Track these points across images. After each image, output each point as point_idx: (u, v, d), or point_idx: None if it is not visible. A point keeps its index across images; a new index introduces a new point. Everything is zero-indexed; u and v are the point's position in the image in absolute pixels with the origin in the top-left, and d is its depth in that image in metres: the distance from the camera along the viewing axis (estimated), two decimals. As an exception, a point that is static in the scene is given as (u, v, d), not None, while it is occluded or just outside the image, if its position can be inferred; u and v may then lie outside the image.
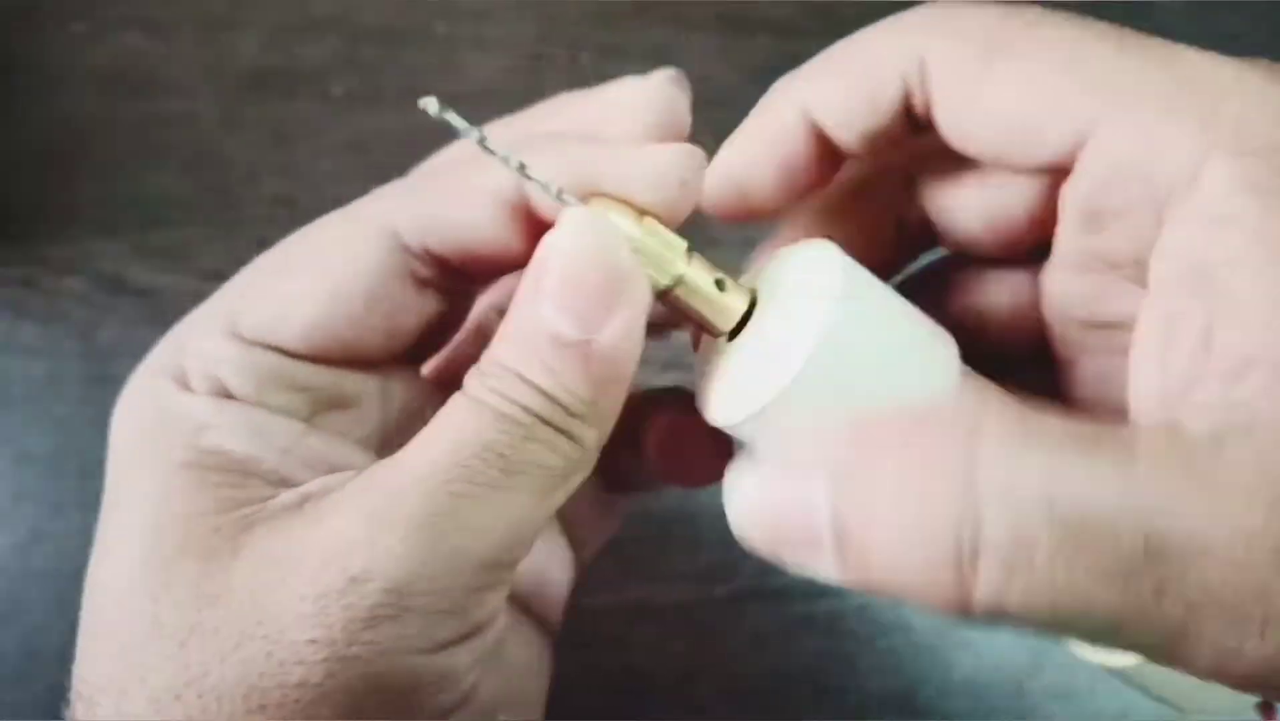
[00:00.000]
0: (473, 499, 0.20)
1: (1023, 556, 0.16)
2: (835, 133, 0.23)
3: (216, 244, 0.43)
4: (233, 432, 0.22)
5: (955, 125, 0.21)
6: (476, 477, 0.20)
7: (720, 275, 0.22)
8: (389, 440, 0.24)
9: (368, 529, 0.20)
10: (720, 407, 0.22)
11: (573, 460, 0.21)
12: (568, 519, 0.28)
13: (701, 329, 0.23)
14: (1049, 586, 0.16)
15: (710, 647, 0.40)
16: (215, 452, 0.22)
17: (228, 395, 0.22)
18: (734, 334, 0.23)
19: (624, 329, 0.21)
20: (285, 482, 0.22)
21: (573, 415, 0.21)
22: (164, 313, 0.42)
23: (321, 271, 0.23)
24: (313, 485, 0.22)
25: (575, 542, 0.29)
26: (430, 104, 0.21)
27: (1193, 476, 0.16)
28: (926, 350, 0.22)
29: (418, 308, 0.24)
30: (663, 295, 0.22)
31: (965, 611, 0.16)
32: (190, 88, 0.45)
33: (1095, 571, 0.16)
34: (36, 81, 0.45)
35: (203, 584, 0.20)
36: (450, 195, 0.23)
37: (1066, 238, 0.22)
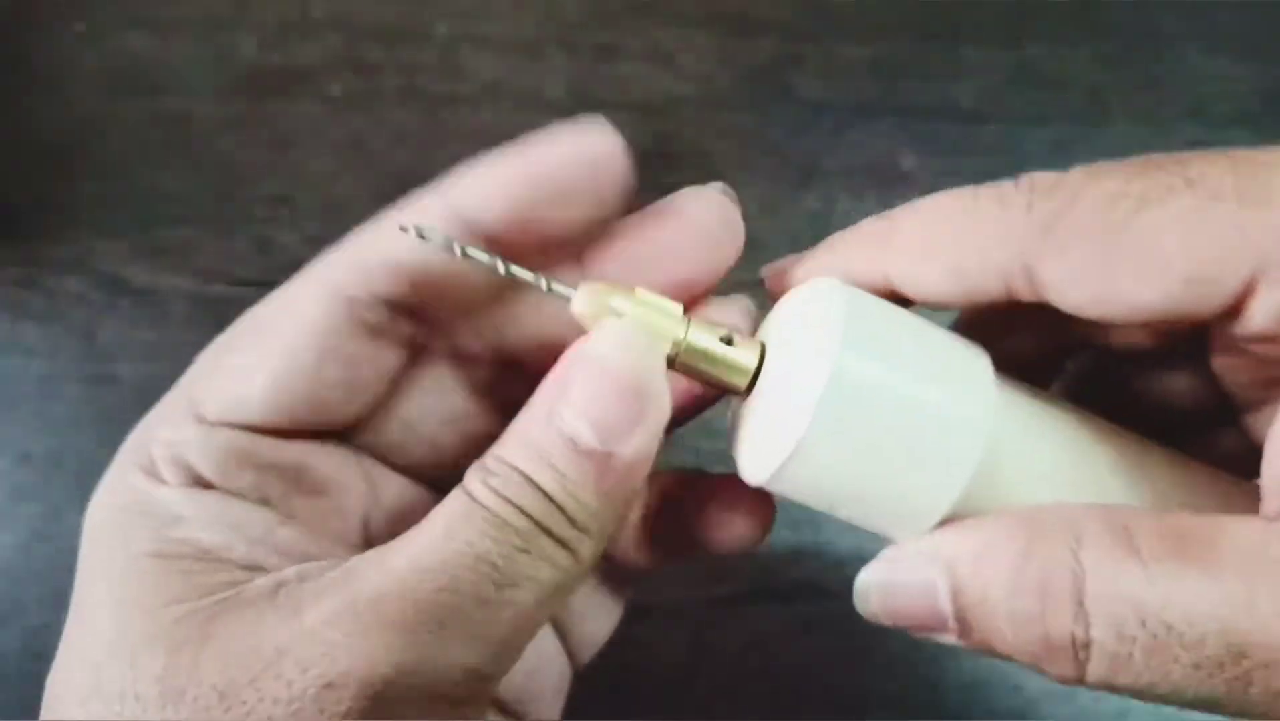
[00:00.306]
0: (460, 609, 0.19)
1: (1123, 653, 0.18)
2: (920, 300, 0.23)
3: (216, 244, 0.43)
4: (203, 524, 0.21)
5: (1089, 307, 0.20)
6: (465, 587, 0.19)
7: (725, 331, 0.22)
8: (372, 541, 0.23)
9: (347, 631, 0.19)
10: (748, 468, 0.22)
11: (569, 574, 0.21)
12: (563, 620, 0.28)
13: (720, 390, 0.23)
14: (1148, 676, 0.18)
15: (710, 647, 0.40)
16: (185, 542, 0.21)
17: (198, 483, 0.22)
18: (750, 387, 0.22)
19: (646, 444, 0.20)
20: (258, 569, 0.21)
21: (576, 526, 0.20)
22: (164, 313, 0.42)
23: (270, 338, 0.23)
24: (288, 572, 0.21)
25: (571, 642, 0.28)
26: (413, 228, 0.21)
27: (1274, 578, 0.18)
28: (952, 371, 0.21)
29: (374, 360, 0.23)
30: (669, 364, 0.22)
31: (1079, 684, 0.19)
32: (190, 88, 0.45)
33: (1186, 666, 0.18)
34: (36, 81, 0.45)
35: (169, 678, 0.19)
36: (380, 233, 0.23)
37: (1235, 335, 0.21)
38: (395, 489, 0.25)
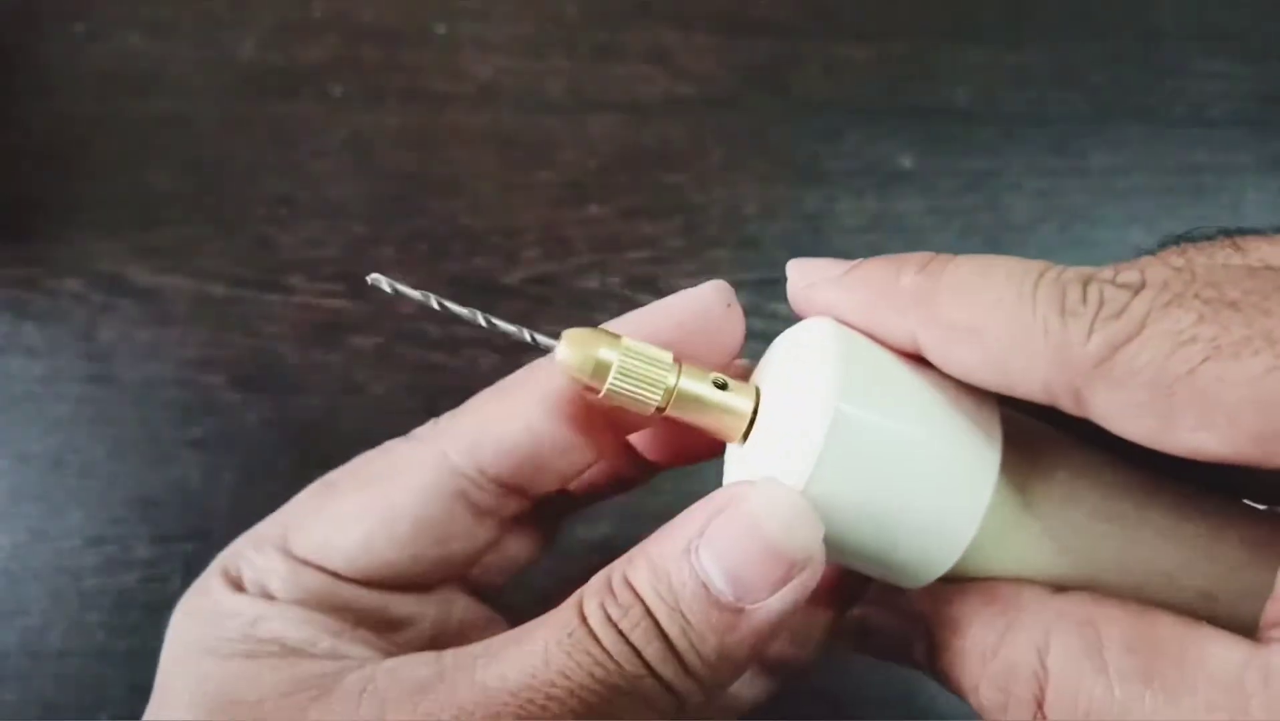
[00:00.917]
0: None
1: None
2: (948, 372, 0.21)
3: (216, 244, 0.43)
4: (286, 622, 0.22)
5: (1141, 439, 0.19)
6: (552, 715, 0.19)
7: (718, 376, 0.21)
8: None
9: None
10: None
11: (666, 717, 0.20)
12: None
13: (713, 436, 0.22)
14: None
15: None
16: (271, 640, 0.22)
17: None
18: (746, 433, 0.21)
19: (785, 609, 0.19)
20: (343, 657, 0.22)
21: (688, 675, 0.19)
22: (164, 313, 0.42)
23: (372, 494, 0.23)
24: (377, 671, 0.21)
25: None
26: (380, 281, 0.21)
27: (1242, 715, 0.17)
28: (954, 414, 0.20)
29: (470, 535, 0.24)
30: (659, 412, 0.21)
31: None
32: (190, 88, 0.45)
33: None
34: (36, 81, 0.45)
35: None
36: (494, 407, 0.23)
37: None
38: (463, 605, 0.26)
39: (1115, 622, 0.19)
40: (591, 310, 0.43)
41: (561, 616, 0.20)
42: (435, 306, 0.21)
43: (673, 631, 0.19)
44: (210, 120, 0.45)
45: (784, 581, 0.19)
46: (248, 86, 0.45)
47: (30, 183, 0.43)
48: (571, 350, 0.21)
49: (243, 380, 0.41)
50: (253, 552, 0.23)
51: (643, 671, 0.19)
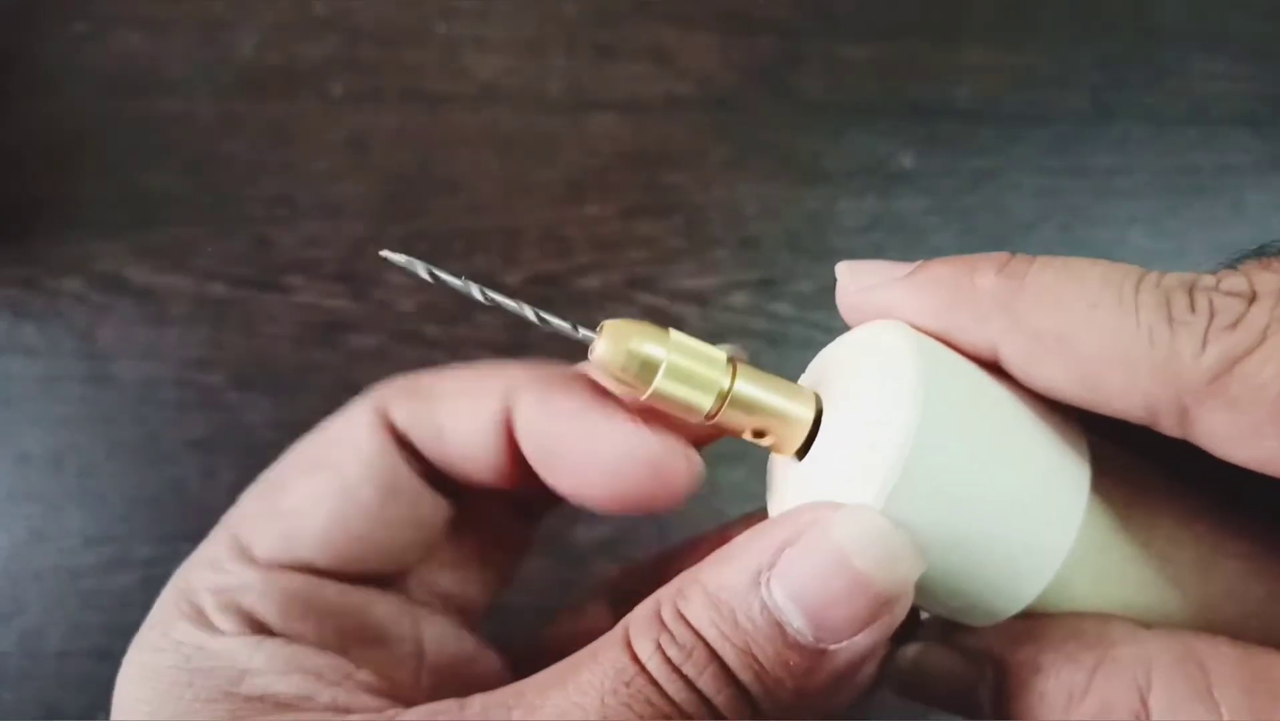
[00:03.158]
0: None
1: None
2: (1029, 386, 0.19)
3: (216, 244, 0.43)
4: (277, 674, 0.19)
5: (1253, 465, 0.17)
6: None
7: (776, 382, 0.19)
8: (426, 687, 0.22)
9: None
10: None
11: None
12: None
13: (765, 446, 0.20)
14: None
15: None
16: (261, 698, 0.19)
17: (257, 629, 0.20)
18: (804, 446, 0.19)
19: (874, 643, 0.17)
20: (345, 710, 0.19)
21: (758, 718, 0.17)
22: (163, 313, 0.42)
23: (323, 475, 0.21)
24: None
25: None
26: (421, 268, 0.19)
27: None
28: (1041, 434, 0.18)
29: (431, 505, 0.22)
30: (710, 418, 0.18)
31: None
32: (189, 87, 0.45)
33: None
34: (37, 81, 0.45)
35: None
36: (449, 401, 0.22)
37: None
38: (437, 630, 0.24)
39: (1225, 661, 0.17)
40: (592, 310, 0.43)
41: (610, 657, 0.17)
42: (426, 277, 0.19)
43: (745, 677, 0.16)
44: (210, 120, 0.45)
45: (873, 620, 0.17)
46: (247, 86, 0.45)
47: (29, 183, 0.43)
48: (612, 345, 0.18)
49: (242, 380, 0.41)
50: (213, 576, 0.21)
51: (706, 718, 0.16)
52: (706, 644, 0.16)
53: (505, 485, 0.23)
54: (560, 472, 0.22)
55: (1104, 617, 0.18)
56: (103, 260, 0.42)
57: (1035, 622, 0.18)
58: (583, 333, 0.18)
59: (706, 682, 0.16)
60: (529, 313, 0.19)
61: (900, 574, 0.17)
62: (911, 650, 0.20)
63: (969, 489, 0.17)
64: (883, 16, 0.48)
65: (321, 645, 0.20)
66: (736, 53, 0.46)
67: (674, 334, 0.18)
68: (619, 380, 0.18)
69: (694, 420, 0.19)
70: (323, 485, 0.21)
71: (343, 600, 0.21)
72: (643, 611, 0.17)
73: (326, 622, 0.21)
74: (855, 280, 0.20)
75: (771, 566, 0.16)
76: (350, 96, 0.45)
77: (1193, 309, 0.16)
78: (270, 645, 0.20)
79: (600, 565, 0.39)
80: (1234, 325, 0.16)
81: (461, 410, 0.22)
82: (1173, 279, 0.17)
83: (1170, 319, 0.16)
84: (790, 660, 0.16)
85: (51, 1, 0.46)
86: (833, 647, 0.16)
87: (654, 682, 0.16)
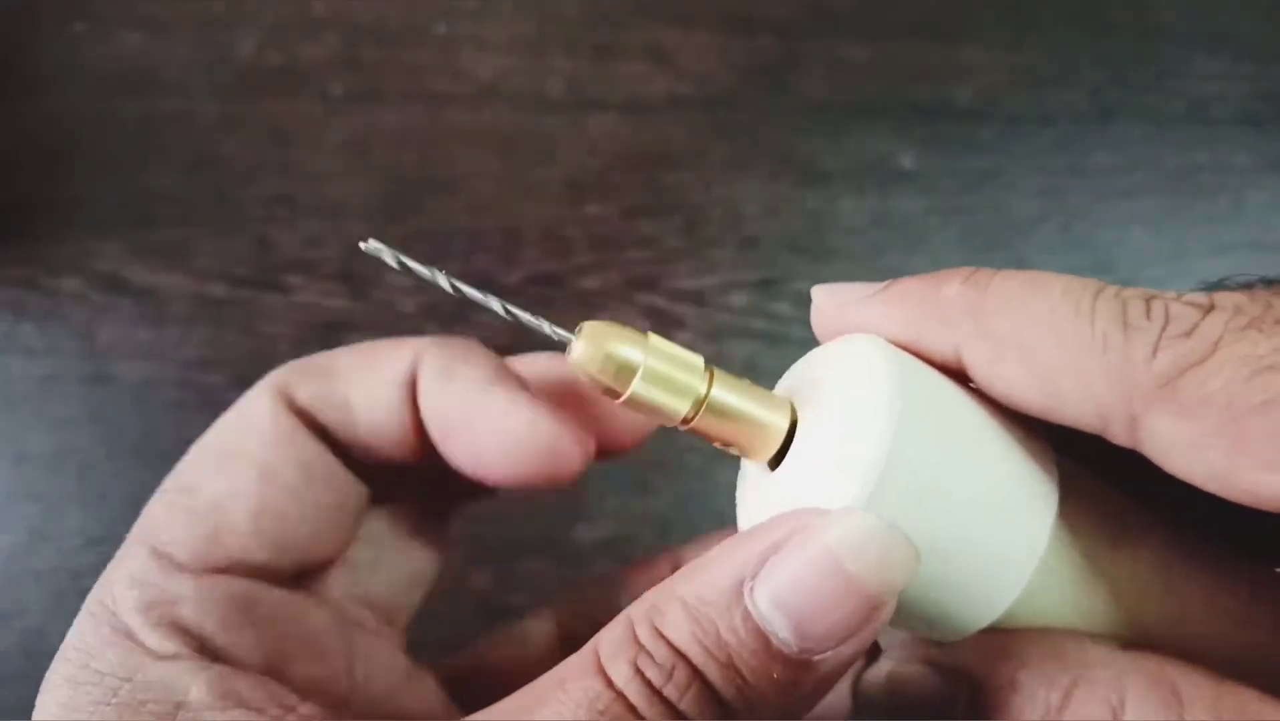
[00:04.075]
0: None
1: None
2: (989, 393, 0.20)
3: (215, 243, 0.43)
4: (216, 709, 0.18)
5: (1200, 480, 0.17)
6: None
7: (751, 390, 0.19)
8: (360, 704, 0.22)
9: None
10: None
11: None
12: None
13: (738, 453, 0.20)
14: None
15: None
16: None
17: (196, 645, 0.19)
18: (777, 456, 0.19)
19: (854, 655, 0.16)
20: None
21: None
22: (163, 313, 0.42)
23: (235, 467, 0.21)
24: None
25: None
26: (375, 248, 0.18)
27: None
28: (1010, 446, 0.18)
29: (347, 484, 0.22)
30: (685, 423, 0.18)
31: None
32: (189, 87, 0.45)
33: None
34: (37, 81, 0.45)
35: None
36: (353, 375, 0.22)
37: None
38: (367, 646, 0.23)
39: (1197, 686, 0.17)
40: (591, 310, 0.43)
41: (580, 685, 0.16)
42: (446, 287, 0.18)
43: (729, 693, 0.16)
44: (209, 119, 0.45)
45: (862, 626, 0.16)
46: (247, 86, 0.45)
47: (29, 183, 0.43)
48: (591, 347, 0.18)
49: (242, 380, 0.41)
50: (138, 592, 0.19)
51: None
52: (688, 661, 0.16)
53: (412, 460, 0.23)
54: (457, 446, 0.22)
55: (1082, 637, 0.18)
56: (102, 260, 0.42)
57: (1012, 639, 0.18)
58: (557, 332, 0.18)
59: (689, 703, 0.16)
60: (496, 305, 0.18)
61: (893, 576, 0.16)
62: (883, 667, 0.20)
63: (942, 499, 0.17)
64: (883, 16, 0.48)
65: (264, 660, 0.19)
66: (736, 53, 0.46)
67: (653, 338, 0.18)
68: (596, 381, 0.18)
69: (669, 425, 0.19)
70: (238, 476, 0.21)
71: (279, 608, 0.20)
72: (614, 632, 0.17)
73: (265, 632, 0.20)
74: (829, 299, 0.20)
75: (755, 575, 0.16)
76: (350, 96, 0.45)
77: (1148, 316, 0.16)
78: (209, 673, 0.18)
79: (600, 565, 0.39)
80: (1187, 334, 0.16)
81: (365, 383, 0.22)
82: (1133, 291, 0.17)
83: (1125, 324, 0.16)
84: (774, 672, 0.16)
85: (51, 1, 0.46)
86: (817, 658, 0.16)
87: (632, 709, 0.16)
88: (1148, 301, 0.17)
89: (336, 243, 0.43)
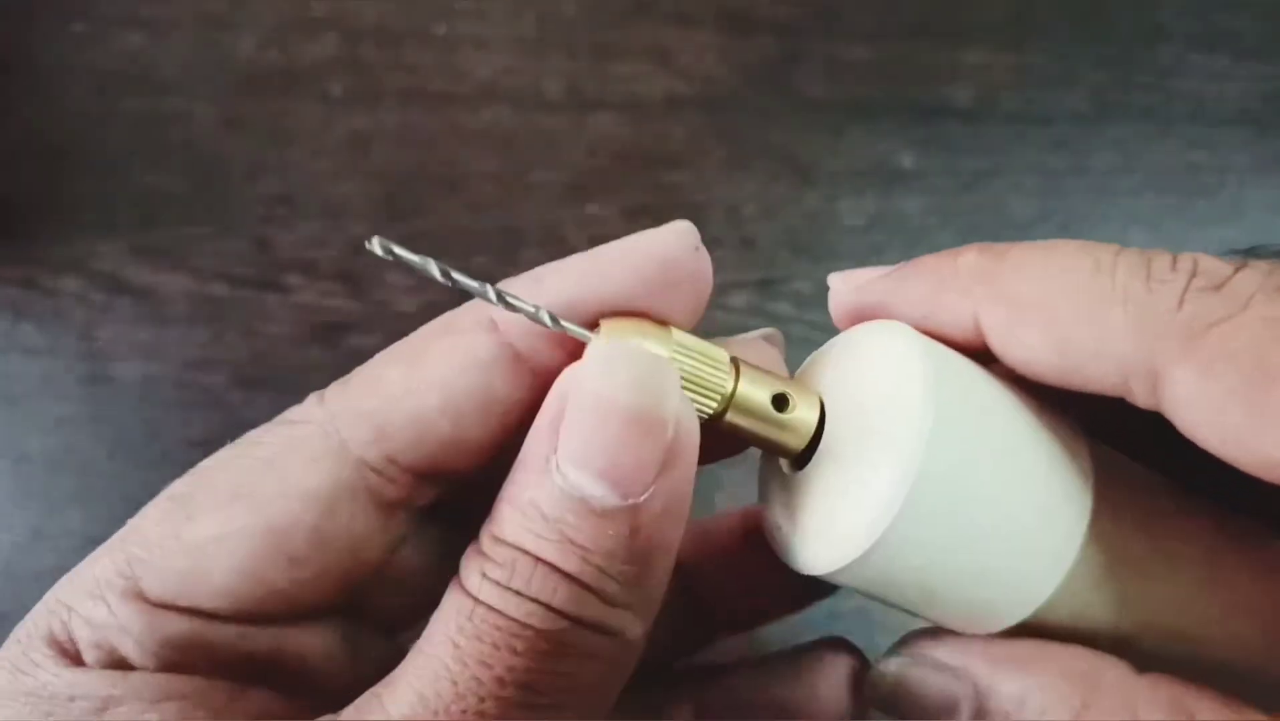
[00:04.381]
0: None
1: None
2: (1007, 363, 0.19)
3: (215, 244, 0.43)
4: (147, 701, 0.17)
5: (1219, 447, 0.16)
6: (491, 717, 0.15)
7: (779, 384, 0.18)
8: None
9: None
10: (803, 553, 0.18)
11: (619, 663, 0.17)
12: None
13: (764, 450, 0.19)
14: None
15: (710, 648, 0.40)
16: None
17: (129, 667, 0.17)
18: (805, 452, 0.19)
19: (676, 487, 0.16)
20: None
21: (616, 605, 0.16)
22: (163, 312, 0.42)
23: (247, 506, 0.18)
24: None
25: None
26: (377, 245, 0.17)
27: None
28: (1046, 443, 0.18)
29: (382, 536, 0.19)
30: (712, 421, 0.18)
31: None
32: (189, 87, 0.45)
33: None
34: (36, 81, 0.45)
35: None
36: (402, 377, 0.19)
37: None
38: (379, 647, 0.21)
39: (1215, 712, 0.16)
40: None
41: (449, 604, 0.16)
42: (439, 277, 0.17)
43: (572, 566, 0.16)
44: (209, 119, 0.45)
45: (664, 450, 0.16)
46: (247, 85, 0.45)
47: (28, 182, 0.43)
48: (610, 346, 0.17)
49: (242, 380, 0.41)
50: (90, 604, 0.17)
51: (563, 623, 0.16)
52: (526, 552, 0.16)
53: (484, 462, 0.20)
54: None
55: (1097, 657, 0.18)
56: (102, 260, 0.42)
57: (1024, 650, 0.18)
58: (574, 330, 0.17)
59: (538, 587, 0.16)
60: (491, 294, 0.18)
61: (663, 387, 0.16)
62: (893, 664, 0.20)
63: (976, 497, 0.17)
64: (883, 16, 0.48)
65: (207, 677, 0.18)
66: (736, 53, 0.46)
67: (676, 333, 0.18)
68: None
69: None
70: (244, 521, 0.18)
71: (247, 643, 0.18)
72: (466, 555, 0.17)
73: (222, 666, 0.18)
74: (845, 283, 0.20)
75: (554, 449, 0.16)
76: (350, 96, 0.45)
77: (1174, 269, 0.16)
78: (144, 679, 0.17)
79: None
80: (1217, 287, 0.15)
81: (415, 391, 0.19)
82: (1157, 251, 0.16)
83: (1149, 276, 0.16)
84: (607, 530, 0.16)
85: (51, 1, 0.45)
86: (642, 500, 0.16)
87: (492, 609, 0.16)
88: (1174, 257, 0.16)
89: (336, 243, 0.43)
